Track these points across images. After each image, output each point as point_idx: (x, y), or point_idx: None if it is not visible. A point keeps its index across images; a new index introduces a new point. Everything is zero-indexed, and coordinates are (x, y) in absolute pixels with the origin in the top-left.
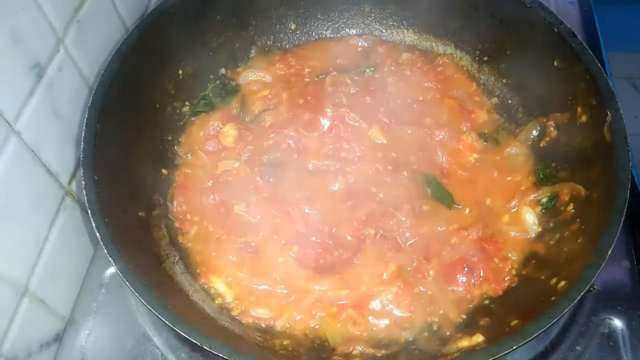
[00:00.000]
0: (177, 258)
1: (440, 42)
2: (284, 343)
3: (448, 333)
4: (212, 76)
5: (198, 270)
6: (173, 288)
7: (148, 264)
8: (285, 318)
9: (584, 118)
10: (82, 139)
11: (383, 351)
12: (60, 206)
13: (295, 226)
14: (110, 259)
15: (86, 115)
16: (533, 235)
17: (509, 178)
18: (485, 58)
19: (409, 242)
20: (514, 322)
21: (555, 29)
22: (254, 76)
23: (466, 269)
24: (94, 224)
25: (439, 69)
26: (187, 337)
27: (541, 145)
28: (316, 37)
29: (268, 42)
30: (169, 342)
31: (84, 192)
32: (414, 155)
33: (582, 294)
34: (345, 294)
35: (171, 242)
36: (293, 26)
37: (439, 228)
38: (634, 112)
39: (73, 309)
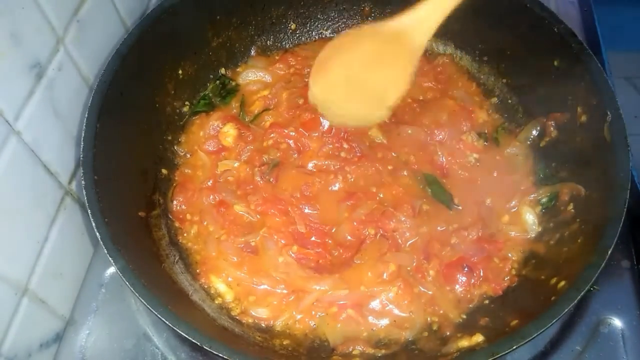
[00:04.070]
0: (177, 258)
1: (440, 42)
2: (284, 343)
3: (448, 333)
4: (212, 76)
5: (198, 270)
6: (173, 288)
7: (148, 264)
8: (285, 318)
9: (584, 118)
10: (82, 139)
11: (383, 351)
12: (60, 206)
13: (295, 226)
14: (110, 259)
15: (86, 115)
16: (533, 235)
17: (509, 178)
18: (485, 58)
19: (409, 242)
20: (514, 322)
21: (555, 29)
22: (254, 76)
23: (466, 269)
24: (94, 224)
25: (439, 69)
26: (187, 337)
27: (541, 145)
28: (316, 37)
29: (268, 42)
30: (169, 342)
31: (84, 192)
32: (414, 155)
33: (582, 294)
34: (345, 294)
35: (171, 242)
36: (293, 26)
37: (439, 228)
38: (634, 112)
39: (73, 309)
